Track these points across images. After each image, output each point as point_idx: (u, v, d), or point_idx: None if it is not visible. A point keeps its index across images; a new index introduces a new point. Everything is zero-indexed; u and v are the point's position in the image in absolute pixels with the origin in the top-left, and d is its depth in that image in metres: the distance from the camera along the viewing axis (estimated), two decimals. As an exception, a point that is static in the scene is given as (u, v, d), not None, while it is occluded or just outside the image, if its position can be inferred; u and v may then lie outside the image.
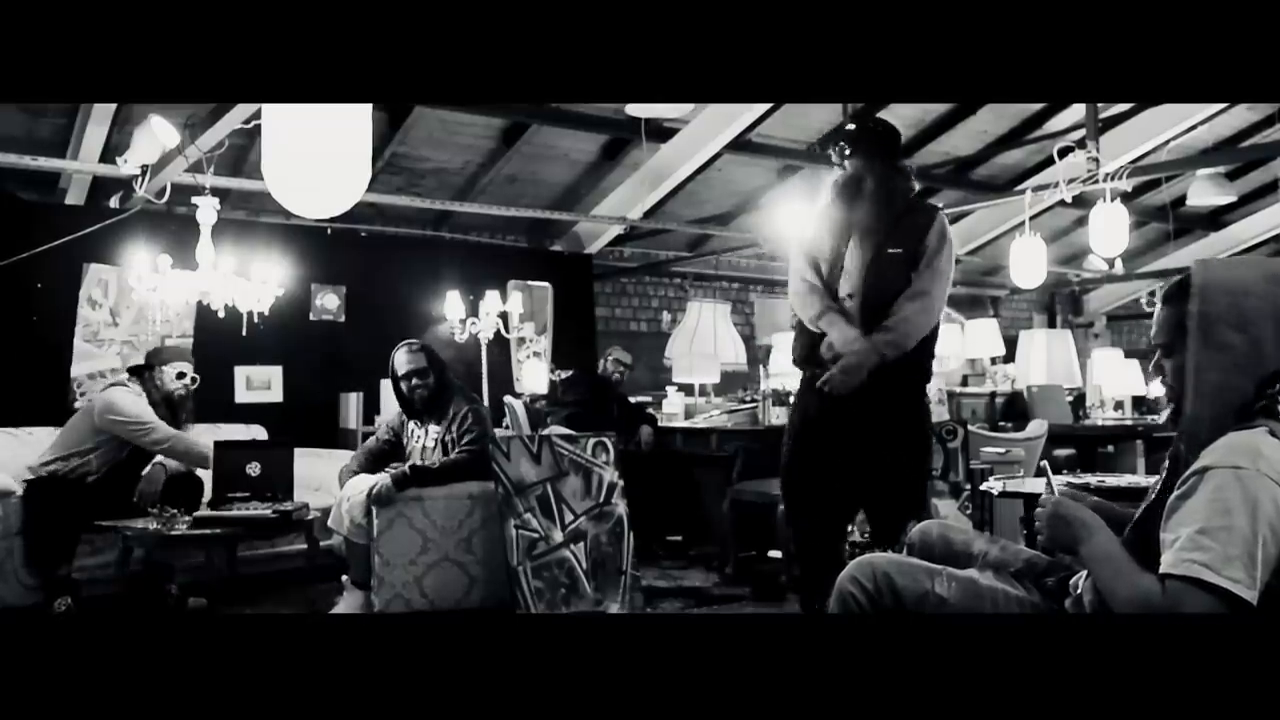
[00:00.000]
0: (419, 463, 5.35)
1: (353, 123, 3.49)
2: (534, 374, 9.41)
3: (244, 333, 6.29)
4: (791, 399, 4.98)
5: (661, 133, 8.86)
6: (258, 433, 7.18)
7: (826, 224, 4.33)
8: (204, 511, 5.16)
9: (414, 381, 5.52)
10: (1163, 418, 2.38)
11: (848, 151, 4.23)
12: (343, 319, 8.77)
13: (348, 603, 5.32)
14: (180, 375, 5.80)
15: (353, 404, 8.21)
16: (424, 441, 5.55)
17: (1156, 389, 8.10)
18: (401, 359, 5.58)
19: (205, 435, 5.88)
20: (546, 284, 10.15)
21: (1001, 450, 6.11)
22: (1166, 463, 2.29)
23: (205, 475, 5.59)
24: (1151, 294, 13.04)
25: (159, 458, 5.65)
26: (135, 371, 5.86)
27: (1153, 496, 2.26)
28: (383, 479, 5.17)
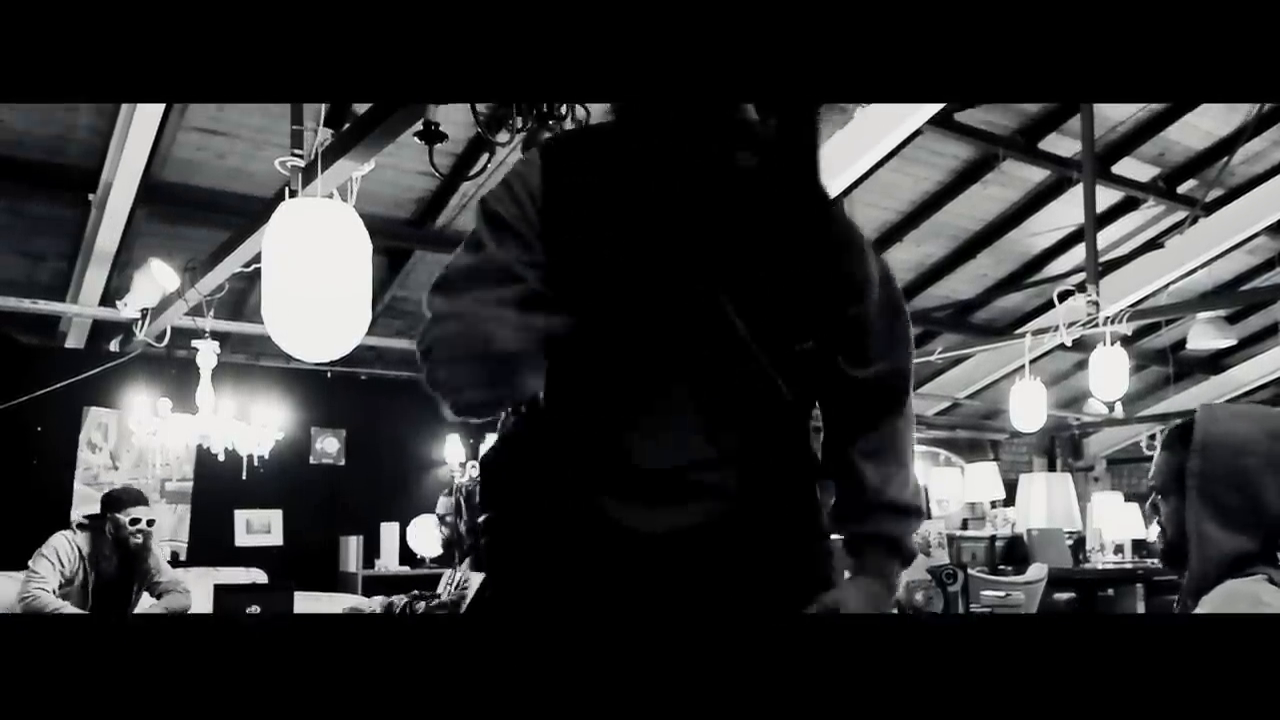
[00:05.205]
0: None
1: (352, 266, 3.53)
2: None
3: (244, 476, 6.31)
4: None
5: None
6: (258, 576, 7.15)
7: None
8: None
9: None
10: (1157, 551, 2.38)
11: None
12: (343, 462, 8.73)
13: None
14: (134, 521, 5.44)
15: (353, 547, 8.17)
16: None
17: (1157, 531, 8.04)
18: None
19: (203, 579, 5.82)
20: (547, 426, 10.15)
21: (1002, 594, 6.06)
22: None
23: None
24: (1152, 437, 12.98)
25: (162, 600, 5.50)
26: (91, 521, 5.57)
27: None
28: None
